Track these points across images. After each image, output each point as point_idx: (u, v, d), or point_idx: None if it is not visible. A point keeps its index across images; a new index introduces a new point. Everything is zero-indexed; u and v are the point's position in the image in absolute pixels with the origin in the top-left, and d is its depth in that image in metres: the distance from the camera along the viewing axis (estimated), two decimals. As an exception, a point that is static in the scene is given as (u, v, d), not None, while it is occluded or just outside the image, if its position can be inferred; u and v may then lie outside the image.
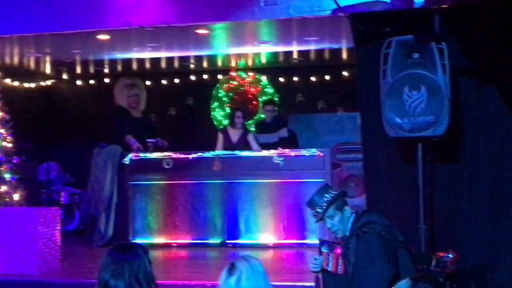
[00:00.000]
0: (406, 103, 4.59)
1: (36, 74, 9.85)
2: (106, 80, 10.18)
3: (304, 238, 7.00)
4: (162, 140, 7.90)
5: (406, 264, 3.66)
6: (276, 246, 7.03)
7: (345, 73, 9.49)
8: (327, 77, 9.69)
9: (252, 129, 8.59)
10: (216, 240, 7.20)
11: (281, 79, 9.90)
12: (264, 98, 9.61)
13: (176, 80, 10.19)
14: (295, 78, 9.85)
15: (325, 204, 3.79)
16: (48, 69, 9.63)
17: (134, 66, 9.36)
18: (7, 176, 7.11)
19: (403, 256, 3.67)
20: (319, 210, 3.81)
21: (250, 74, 9.88)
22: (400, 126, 4.60)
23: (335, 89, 9.51)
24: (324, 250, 4.26)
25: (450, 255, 3.74)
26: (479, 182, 4.79)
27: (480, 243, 4.72)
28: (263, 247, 7.02)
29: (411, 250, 3.79)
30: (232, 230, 7.22)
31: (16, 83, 9.56)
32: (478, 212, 4.77)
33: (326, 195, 3.82)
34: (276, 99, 9.67)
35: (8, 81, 9.19)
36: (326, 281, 3.90)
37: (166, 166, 7.34)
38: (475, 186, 4.80)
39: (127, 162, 7.40)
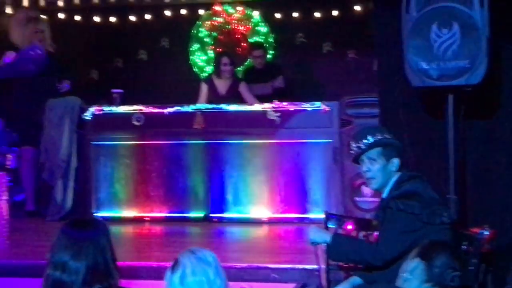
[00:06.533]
0: (434, 44, 4.56)
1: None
2: (61, 15, 10.06)
3: (305, 212, 7.03)
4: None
5: None
6: (271, 221, 7.06)
7: (357, 8, 9.41)
8: (335, 13, 9.62)
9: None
10: (197, 214, 7.22)
11: (278, 15, 9.82)
12: (255, 39, 9.55)
13: (147, 17, 10.09)
14: (295, 14, 9.77)
15: (372, 141, 3.81)
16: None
17: (95, -2, 9.26)
18: None
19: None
20: (362, 146, 3.84)
21: (239, 8, 9.79)
22: (427, 73, 4.59)
23: (345, 27, 9.45)
24: (331, 225, 4.30)
25: (486, 232, 3.76)
26: (522, 143, 4.80)
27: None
28: (255, 222, 7.05)
29: (458, 231, 3.81)
30: (218, 201, 7.23)
31: None
32: (520, 178, 4.79)
33: (379, 134, 3.86)
34: (270, 40, 9.61)
35: None
36: None
37: (136, 123, 7.31)
38: (517, 147, 4.81)
39: (88, 118, 7.36)
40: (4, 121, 8.89)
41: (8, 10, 9.95)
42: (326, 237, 3.86)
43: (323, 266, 3.97)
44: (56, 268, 2.66)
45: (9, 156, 8.53)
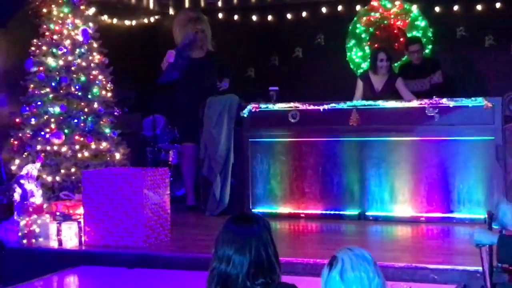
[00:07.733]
0: None
1: (137, 9, 10.16)
2: (220, 15, 10.34)
3: (467, 211, 6.78)
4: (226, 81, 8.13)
5: None
6: (429, 220, 6.88)
7: (522, -1, 9.03)
8: (498, 5, 9.26)
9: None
10: (353, 212, 7.18)
11: (437, 9, 9.59)
12: (414, 33, 9.35)
13: (304, 14, 10.15)
14: (456, 7, 9.50)
15: None
16: (151, 3, 9.91)
17: (253, -2, 9.43)
18: (108, 130, 7.49)
19: None
20: None
21: (397, 3, 9.61)
22: None
23: (509, 20, 9.06)
24: (495, 226, 4.13)
25: None
26: None
27: None
28: (413, 221, 6.90)
29: None
30: (373, 199, 7.15)
31: (114, 21, 9.93)
32: None
33: None
34: (429, 34, 9.38)
35: (105, 18, 9.55)
36: None
37: (292, 120, 7.37)
38: None
39: (245, 115, 7.51)
40: (166, 119, 9.29)
41: (171, 12, 10.38)
42: (493, 238, 3.71)
43: (486, 268, 3.82)
44: (221, 261, 2.74)
45: (170, 152, 8.91)
